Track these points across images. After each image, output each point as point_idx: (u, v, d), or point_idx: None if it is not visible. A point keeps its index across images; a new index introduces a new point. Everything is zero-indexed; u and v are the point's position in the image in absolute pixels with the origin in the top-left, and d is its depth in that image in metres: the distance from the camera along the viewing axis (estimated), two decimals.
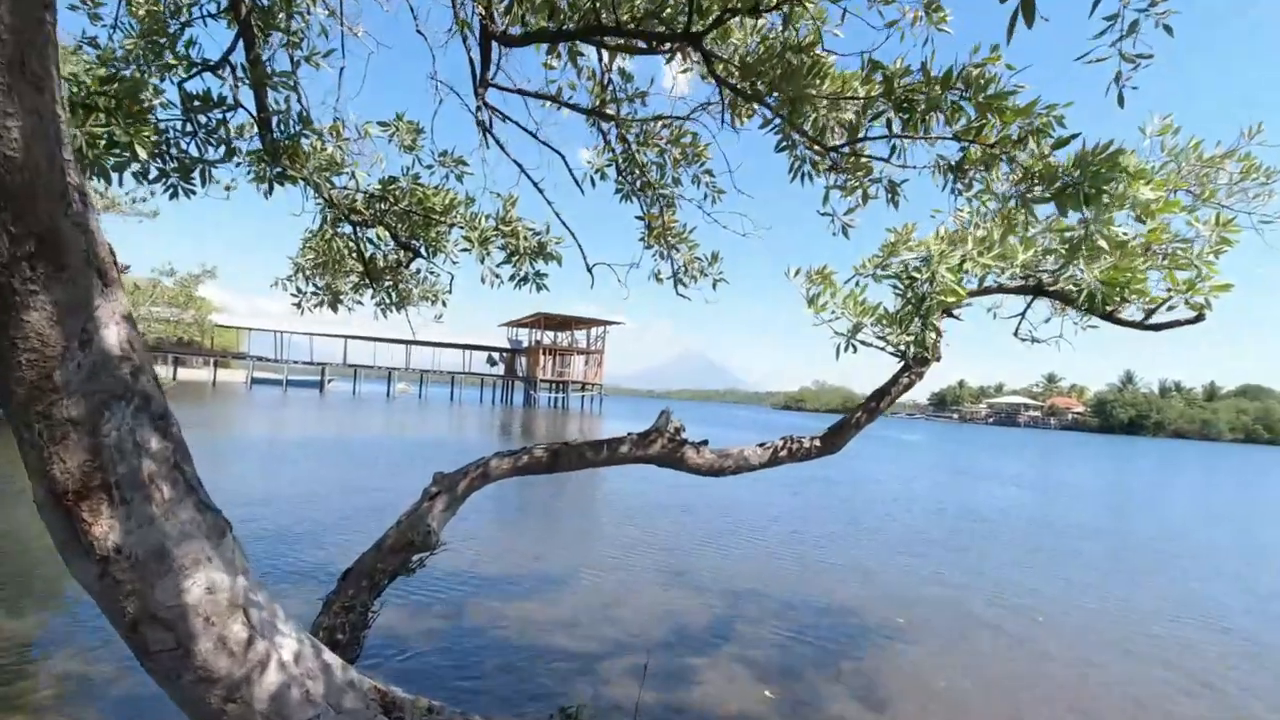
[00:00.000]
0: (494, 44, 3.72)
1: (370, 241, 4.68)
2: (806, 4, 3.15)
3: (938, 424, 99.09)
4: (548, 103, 4.26)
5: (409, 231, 4.49)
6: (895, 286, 3.54)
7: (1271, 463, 50.04)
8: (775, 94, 3.21)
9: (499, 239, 4.20)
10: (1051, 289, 4.20)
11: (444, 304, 5.35)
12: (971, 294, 4.13)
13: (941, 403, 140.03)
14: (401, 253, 4.77)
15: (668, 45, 3.35)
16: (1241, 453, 66.52)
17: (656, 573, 7.73)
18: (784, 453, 4.34)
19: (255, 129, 3.87)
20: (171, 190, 3.71)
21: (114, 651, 4.39)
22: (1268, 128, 3.49)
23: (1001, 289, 4.25)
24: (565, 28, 3.43)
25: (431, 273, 5.08)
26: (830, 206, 3.71)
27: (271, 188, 3.83)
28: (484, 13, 3.56)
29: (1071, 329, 4.37)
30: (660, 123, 4.26)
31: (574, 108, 4.14)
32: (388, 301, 5.07)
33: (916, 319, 3.44)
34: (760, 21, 3.36)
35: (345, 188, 4.27)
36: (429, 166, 4.32)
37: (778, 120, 3.29)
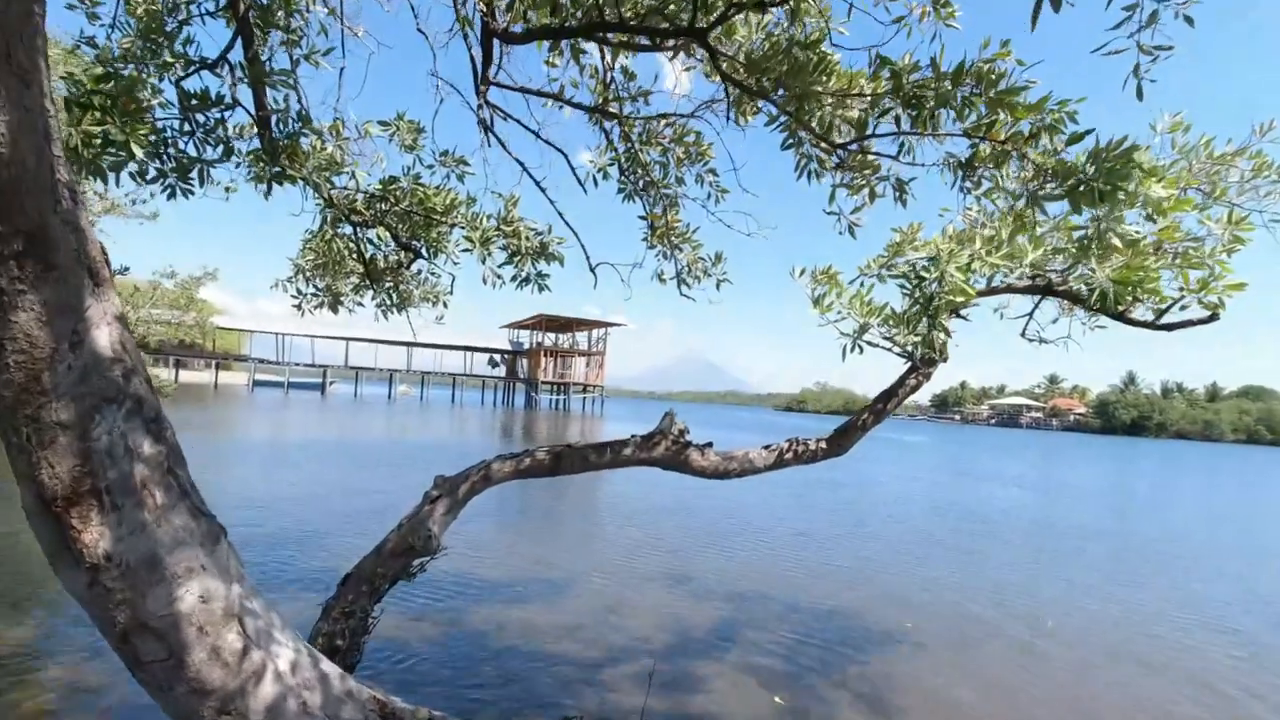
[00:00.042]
0: (495, 42, 3.68)
1: (371, 242, 4.63)
2: None
3: (939, 425, 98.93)
4: (549, 102, 4.21)
5: (410, 232, 4.44)
6: (903, 286, 3.49)
7: (1274, 463, 49.87)
8: (782, 90, 3.16)
9: (500, 239, 4.15)
10: (1060, 289, 4.14)
11: (445, 305, 5.30)
12: (980, 294, 4.07)
13: (943, 404, 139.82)
14: (402, 253, 4.72)
15: (671, 42, 3.30)
16: (1244, 454, 66.33)
17: (660, 577, 7.67)
18: (789, 455, 4.29)
19: (254, 128, 3.83)
20: (170, 190, 3.66)
21: (108, 659, 4.34)
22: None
23: (1010, 289, 4.20)
24: (567, 25, 3.38)
25: (432, 274, 5.03)
26: (836, 205, 3.66)
27: (270, 187, 3.78)
28: (485, 10, 3.51)
29: (1079, 329, 4.32)
30: (663, 121, 4.21)
31: (576, 106, 4.09)
32: (389, 303, 5.02)
33: (924, 319, 3.38)
34: (765, 18, 3.31)
35: (345, 188, 4.23)
36: (430, 166, 4.27)
37: (784, 118, 3.24)
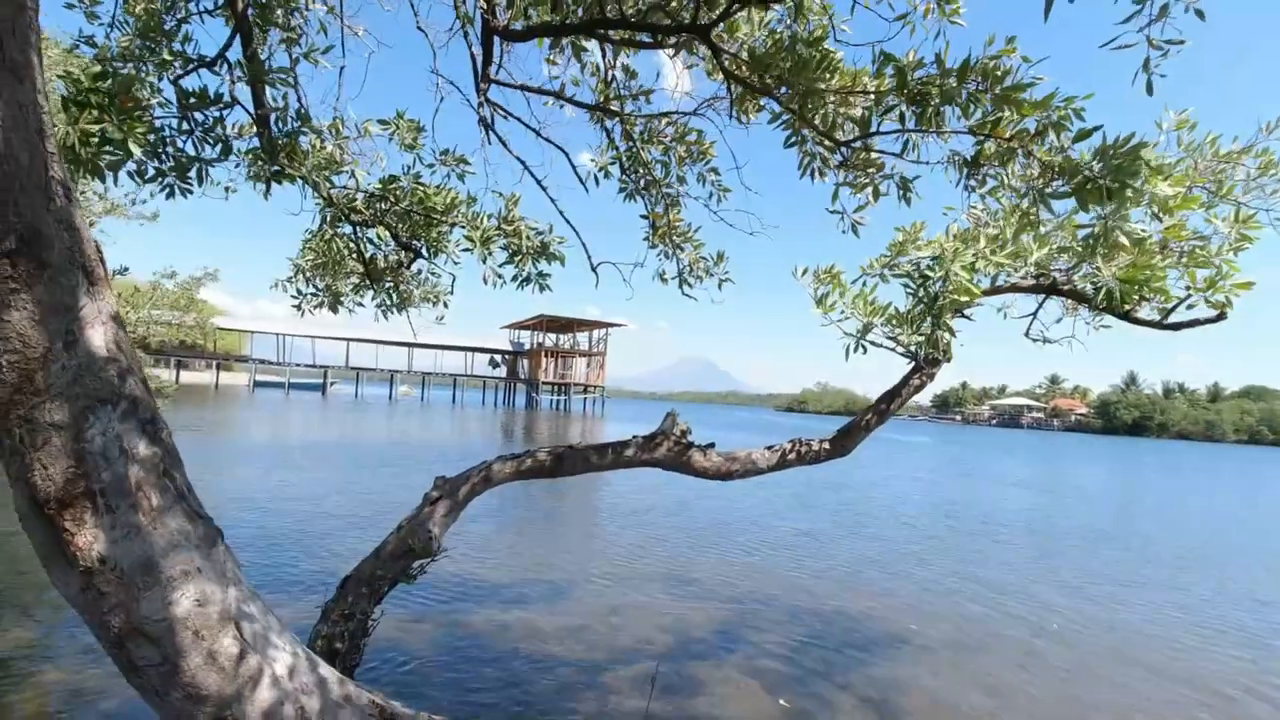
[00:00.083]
0: (495, 39, 3.65)
1: (370, 242, 4.61)
2: None
3: (940, 426, 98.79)
4: (550, 100, 4.18)
5: (410, 231, 4.41)
6: (907, 285, 3.46)
7: (1276, 464, 49.77)
8: (785, 88, 3.13)
9: (501, 239, 4.12)
10: (1065, 288, 4.11)
11: (445, 305, 5.27)
12: (984, 293, 4.04)
13: (944, 405, 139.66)
14: (402, 253, 4.69)
15: (673, 39, 3.27)
16: (1246, 454, 66.22)
17: (662, 578, 7.64)
18: (792, 455, 4.26)
19: (253, 127, 3.81)
20: (168, 190, 3.64)
21: (109, 662, 4.30)
22: None
23: (1014, 288, 4.17)
24: (568, 22, 3.35)
25: (433, 273, 5.00)
26: (840, 204, 3.63)
27: (269, 186, 3.76)
28: (485, 7, 3.48)
29: (1083, 329, 4.28)
30: (665, 120, 4.18)
31: (577, 104, 4.07)
32: (389, 303, 4.99)
33: (929, 319, 3.36)
34: (769, 15, 3.28)
35: (345, 187, 4.20)
36: (430, 165, 4.24)
37: (787, 115, 3.21)
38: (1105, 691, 5.34)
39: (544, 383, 63.36)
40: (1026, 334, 4.41)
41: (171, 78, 3.57)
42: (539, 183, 4.19)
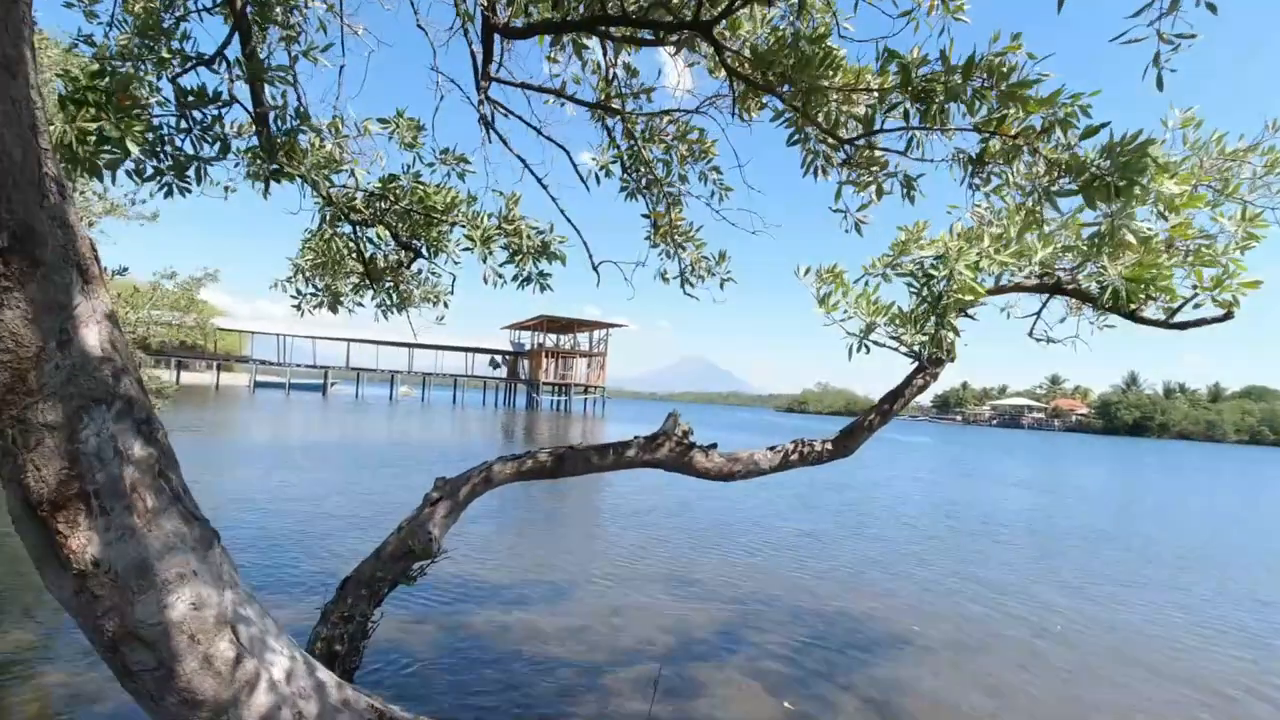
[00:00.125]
0: (496, 37, 3.63)
1: (370, 241, 4.58)
2: None
3: (941, 426, 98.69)
4: (551, 99, 4.15)
5: (410, 231, 4.38)
6: (910, 285, 3.43)
7: (1277, 464, 49.70)
8: (788, 85, 3.10)
9: (501, 238, 4.09)
10: (1069, 287, 4.08)
11: (445, 305, 5.24)
12: (989, 292, 4.01)
13: (945, 405, 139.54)
14: (402, 253, 4.66)
15: (675, 36, 3.25)
16: (1247, 454, 66.14)
17: (664, 579, 7.61)
18: (795, 456, 4.23)
19: (251, 126, 3.78)
20: (166, 189, 3.61)
21: (102, 665, 4.28)
22: None
23: (1018, 287, 4.14)
24: (569, 18, 3.32)
25: (433, 273, 4.97)
26: (843, 202, 3.60)
27: (268, 185, 3.73)
28: (486, 4, 3.46)
29: (1087, 329, 4.26)
30: (666, 118, 4.15)
31: (578, 102, 4.04)
32: (389, 303, 4.97)
33: (932, 318, 3.33)
34: (771, 12, 3.25)
35: (344, 186, 4.17)
36: (430, 164, 4.21)
37: (790, 113, 3.18)
38: (1106, 692, 5.32)
39: (544, 383, 63.34)
40: (1030, 334, 4.39)
41: (170, 76, 3.54)
42: (540, 181, 4.17)
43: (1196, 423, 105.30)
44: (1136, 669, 5.87)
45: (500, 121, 4.19)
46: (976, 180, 3.24)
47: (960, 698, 4.97)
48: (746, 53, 3.26)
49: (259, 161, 3.71)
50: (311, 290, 5.03)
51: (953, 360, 4.27)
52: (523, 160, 4.13)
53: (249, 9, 3.57)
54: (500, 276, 4.09)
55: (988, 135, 2.90)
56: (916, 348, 3.64)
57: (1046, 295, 4.28)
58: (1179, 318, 3.57)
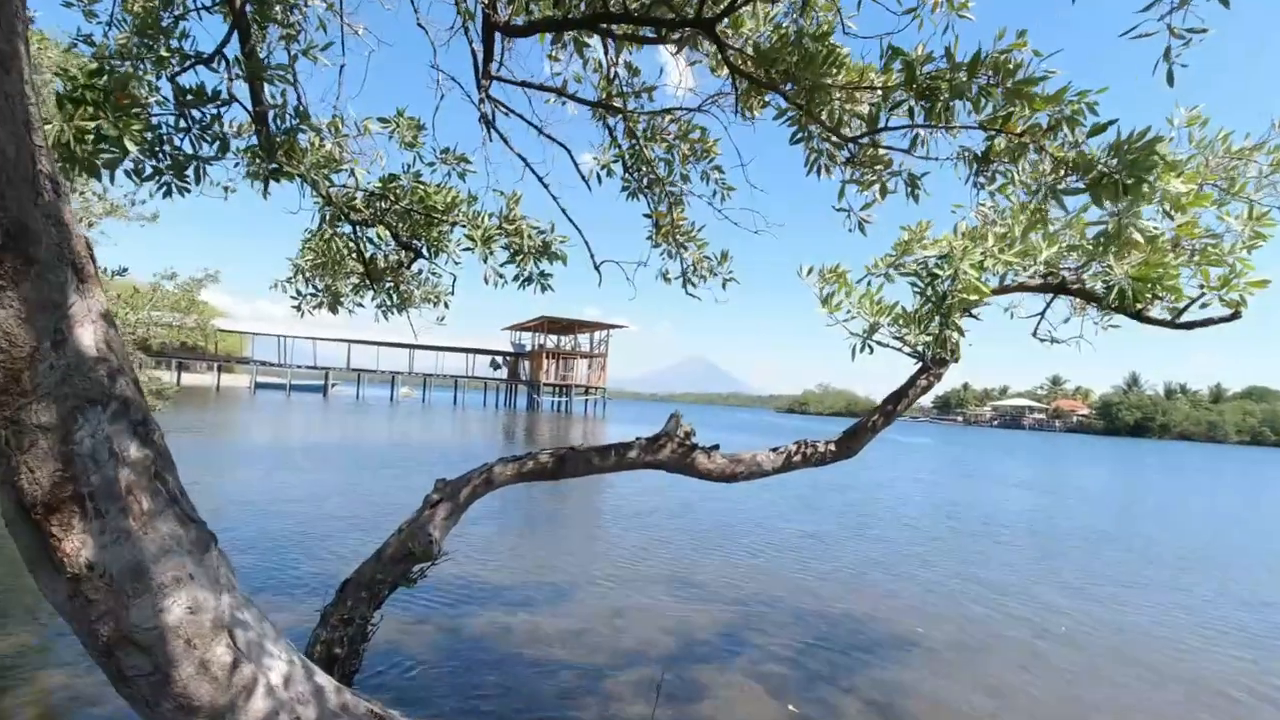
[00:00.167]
0: (497, 35, 3.60)
1: (370, 241, 4.56)
2: None
3: (942, 427, 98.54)
4: (552, 98, 4.13)
5: (410, 231, 4.36)
6: (914, 284, 3.40)
7: (1279, 465, 49.68)
8: (791, 83, 3.08)
9: (502, 238, 4.07)
10: (1074, 287, 4.06)
11: (446, 306, 5.22)
12: (993, 292, 3.98)
13: (945, 405, 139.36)
14: (403, 253, 4.64)
15: (677, 33, 3.22)
16: (1248, 455, 66.03)
17: (666, 581, 7.58)
18: (798, 457, 4.20)
19: (251, 125, 3.76)
20: (165, 188, 3.59)
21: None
22: None
23: (1022, 287, 4.11)
24: (570, 16, 3.30)
25: (433, 274, 4.95)
26: (846, 201, 3.57)
27: (267, 184, 3.71)
28: (487, 1, 3.43)
29: (1091, 329, 4.23)
30: (668, 117, 4.12)
31: (580, 100, 4.01)
32: (389, 303, 4.94)
33: (937, 318, 3.30)
34: (775, 9, 3.23)
35: (344, 186, 4.15)
36: (430, 164, 4.19)
37: (793, 111, 3.16)
38: (1108, 692, 5.29)
39: (545, 384, 63.32)
40: (1034, 334, 4.36)
41: (168, 75, 3.52)
42: (541, 180, 4.14)
43: (1198, 423, 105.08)
44: (1138, 670, 5.84)
45: (501, 120, 4.16)
46: (981, 179, 3.22)
47: (963, 699, 4.94)
48: (749, 50, 3.23)
49: (258, 161, 3.68)
50: (311, 291, 5.01)
51: (957, 360, 4.24)
52: (523, 159, 4.11)
53: (248, 7, 3.55)
54: (501, 277, 4.07)
55: (993, 133, 2.87)
56: (920, 348, 3.61)
57: (1051, 295, 4.25)
58: (1185, 317, 3.54)
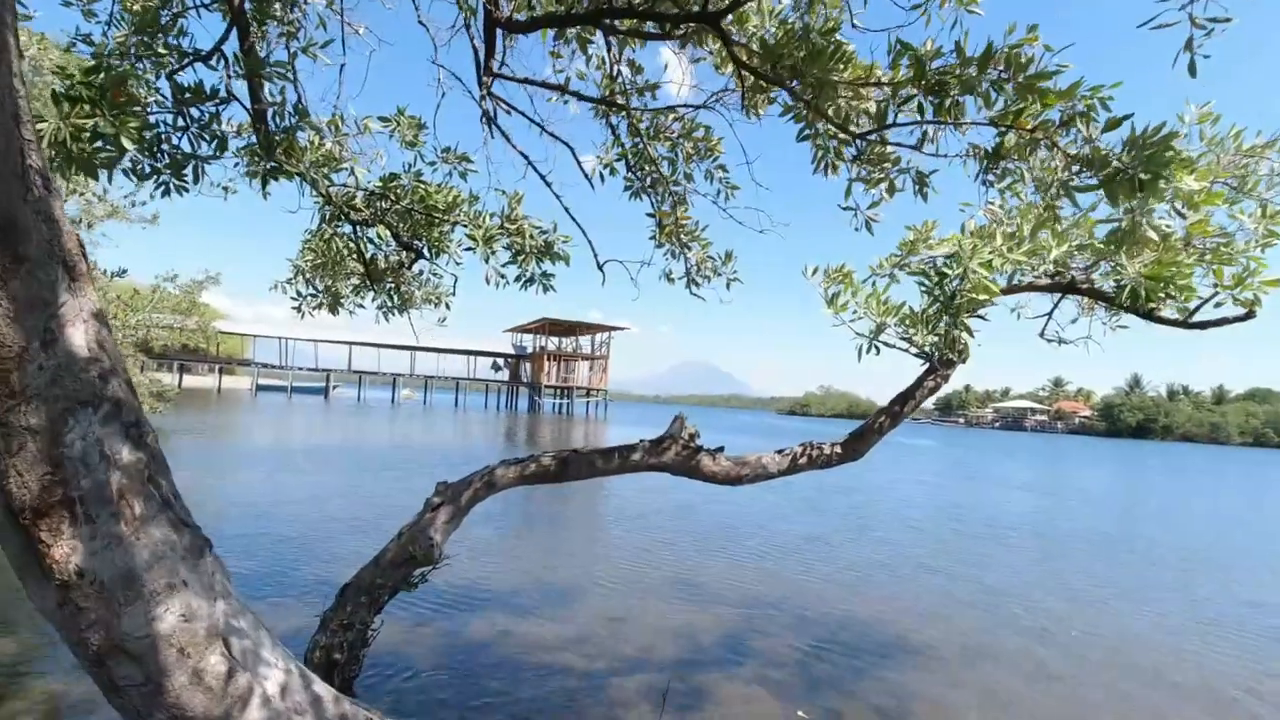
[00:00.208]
0: (499, 32, 3.55)
1: (371, 241, 4.51)
2: None
3: (944, 429, 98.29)
4: (554, 96, 4.08)
5: (411, 231, 4.31)
6: (922, 284, 3.35)
7: None
8: (797, 80, 3.03)
9: (504, 238, 4.02)
10: (1084, 287, 4.00)
11: (447, 307, 5.17)
12: (1002, 291, 3.93)
13: (947, 407, 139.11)
14: (403, 253, 4.59)
15: (682, 29, 3.17)
16: (1250, 456, 65.83)
17: (670, 584, 7.51)
18: (804, 460, 4.14)
19: (250, 124, 3.71)
20: (163, 188, 3.54)
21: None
22: None
23: (1032, 287, 4.05)
24: (573, 11, 3.25)
25: (434, 274, 4.91)
26: (853, 200, 3.52)
27: (266, 183, 3.66)
28: None
29: (1099, 329, 4.17)
30: (672, 115, 4.08)
31: (582, 98, 3.97)
32: (390, 304, 4.90)
33: (945, 318, 3.25)
34: (780, 4, 3.18)
35: (344, 185, 4.10)
36: (431, 163, 4.14)
37: (799, 108, 3.11)
38: (1109, 694, 5.24)
39: (546, 386, 63.30)
40: (1041, 334, 4.30)
41: (166, 72, 3.48)
42: (543, 178, 4.09)
43: (1200, 425, 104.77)
44: (1141, 673, 5.78)
45: (503, 118, 4.12)
46: (991, 176, 3.17)
47: (968, 701, 4.88)
48: (755, 46, 3.18)
49: (257, 159, 3.64)
50: (312, 292, 4.96)
51: (965, 361, 4.18)
52: (525, 157, 4.06)
53: (247, 5, 3.51)
54: (503, 277, 4.02)
55: (1004, 129, 2.82)
56: (928, 348, 3.55)
57: (1059, 295, 4.20)
58: (1198, 317, 3.49)
